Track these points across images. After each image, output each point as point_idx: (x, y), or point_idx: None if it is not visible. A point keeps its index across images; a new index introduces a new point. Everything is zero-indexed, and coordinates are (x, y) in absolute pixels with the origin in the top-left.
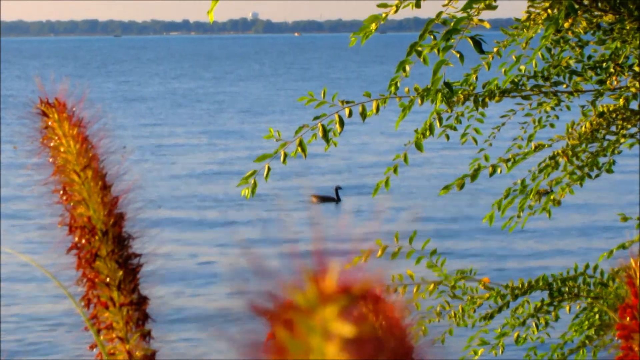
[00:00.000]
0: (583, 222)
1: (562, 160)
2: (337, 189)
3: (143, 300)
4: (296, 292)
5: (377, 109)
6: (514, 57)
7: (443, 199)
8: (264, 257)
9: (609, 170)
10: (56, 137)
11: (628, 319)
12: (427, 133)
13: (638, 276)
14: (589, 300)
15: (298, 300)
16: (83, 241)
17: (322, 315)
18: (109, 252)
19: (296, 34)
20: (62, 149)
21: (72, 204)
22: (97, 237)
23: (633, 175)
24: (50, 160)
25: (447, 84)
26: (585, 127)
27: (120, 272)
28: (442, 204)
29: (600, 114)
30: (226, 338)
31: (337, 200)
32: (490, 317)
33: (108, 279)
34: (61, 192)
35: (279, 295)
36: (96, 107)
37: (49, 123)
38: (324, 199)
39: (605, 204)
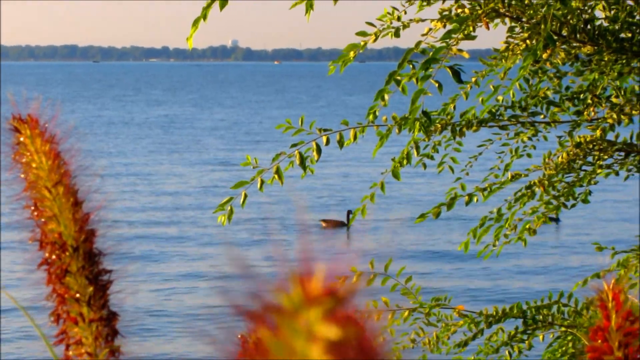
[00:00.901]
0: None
1: (538, 190)
2: (349, 213)
3: (113, 316)
4: (281, 293)
5: (355, 138)
6: (492, 87)
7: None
8: (249, 258)
9: (585, 201)
10: (28, 153)
11: (600, 341)
12: (405, 162)
13: (610, 299)
14: (563, 329)
15: (283, 302)
16: (53, 257)
17: (307, 318)
18: (80, 268)
19: (276, 62)
20: (33, 165)
21: (43, 219)
22: (67, 253)
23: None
24: (22, 176)
25: (425, 113)
26: (562, 157)
27: (91, 288)
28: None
29: (577, 145)
30: (207, 338)
31: (348, 225)
32: (465, 344)
33: (78, 295)
34: (32, 208)
35: (263, 297)
36: (68, 124)
37: (21, 139)
38: (334, 224)
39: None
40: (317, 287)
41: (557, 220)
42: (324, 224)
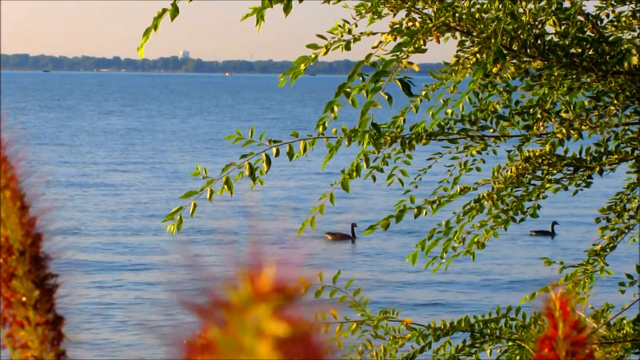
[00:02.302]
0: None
1: (487, 204)
2: (353, 226)
3: (59, 320)
4: (230, 289)
5: (305, 149)
6: (441, 101)
7: None
8: (198, 253)
9: (534, 215)
10: None
11: (547, 350)
12: (354, 174)
13: (557, 308)
14: (510, 342)
15: (231, 297)
16: (0, 260)
17: (255, 314)
18: (26, 271)
19: (227, 74)
20: None
21: None
22: (14, 257)
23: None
24: None
25: (375, 125)
26: (511, 171)
27: (37, 292)
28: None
29: (527, 159)
30: (155, 334)
31: (353, 238)
32: (412, 357)
33: (24, 299)
34: None
35: (212, 292)
36: (14, 129)
37: None
38: (339, 237)
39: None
40: (266, 283)
41: (552, 234)
42: (329, 237)
